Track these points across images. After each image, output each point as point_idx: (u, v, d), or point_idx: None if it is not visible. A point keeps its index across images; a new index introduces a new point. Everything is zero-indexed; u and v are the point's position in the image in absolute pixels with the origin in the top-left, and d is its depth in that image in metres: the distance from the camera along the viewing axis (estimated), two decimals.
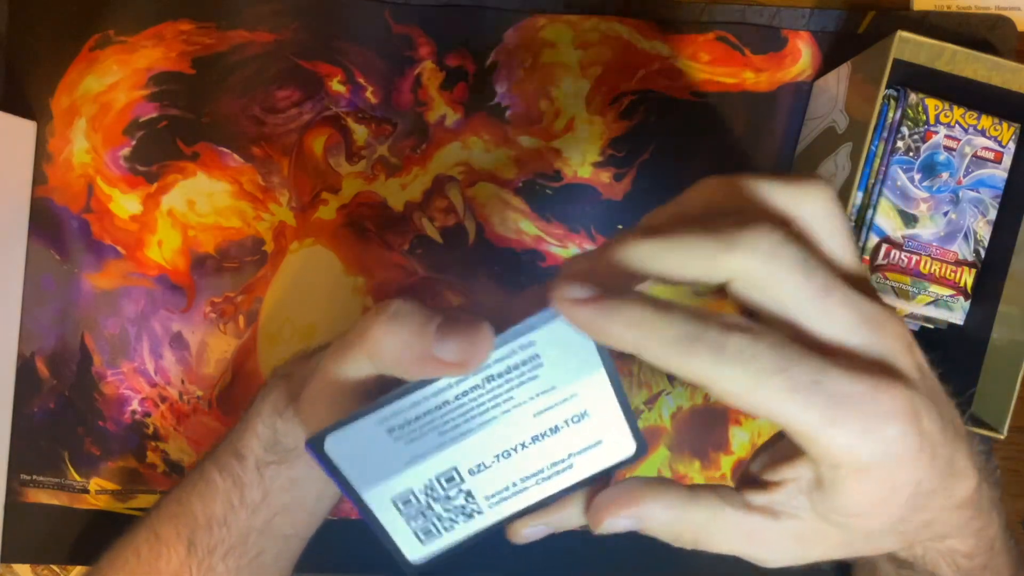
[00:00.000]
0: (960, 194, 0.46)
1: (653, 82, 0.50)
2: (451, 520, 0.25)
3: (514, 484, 0.25)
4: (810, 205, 0.23)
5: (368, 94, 0.49)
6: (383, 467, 0.24)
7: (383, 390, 0.23)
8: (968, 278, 0.46)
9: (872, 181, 0.46)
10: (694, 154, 0.50)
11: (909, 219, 0.46)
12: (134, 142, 0.49)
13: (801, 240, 0.22)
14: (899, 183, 0.45)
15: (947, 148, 0.45)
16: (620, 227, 0.50)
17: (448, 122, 0.49)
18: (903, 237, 0.46)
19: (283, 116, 0.49)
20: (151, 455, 0.50)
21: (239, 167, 0.49)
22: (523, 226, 0.50)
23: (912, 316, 0.47)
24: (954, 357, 0.47)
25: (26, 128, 0.48)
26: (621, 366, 0.22)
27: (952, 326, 0.47)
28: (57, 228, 0.49)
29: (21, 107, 0.48)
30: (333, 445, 0.23)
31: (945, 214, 0.46)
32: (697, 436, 0.51)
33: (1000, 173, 0.46)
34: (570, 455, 0.25)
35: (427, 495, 0.25)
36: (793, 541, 0.24)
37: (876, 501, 0.23)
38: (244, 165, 0.49)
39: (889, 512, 0.23)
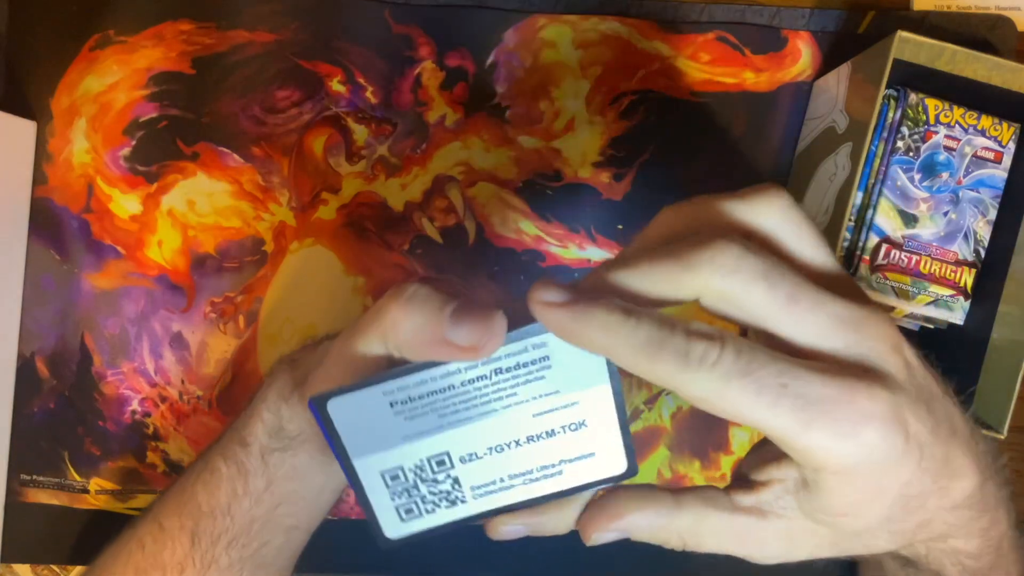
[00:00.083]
0: (960, 194, 0.46)
1: (653, 82, 0.50)
2: (434, 504, 0.25)
3: (501, 480, 0.25)
4: (768, 215, 0.23)
5: (368, 94, 0.49)
6: (379, 439, 0.24)
7: None
8: (968, 278, 0.46)
9: (872, 181, 0.46)
10: (694, 154, 0.50)
11: (909, 219, 0.46)
12: (134, 142, 0.49)
13: (763, 251, 0.22)
14: (899, 183, 0.45)
15: (947, 148, 0.45)
16: (620, 227, 0.50)
17: (448, 122, 0.49)
18: (903, 237, 0.46)
19: (283, 116, 0.49)
20: (151, 455, 0.50)
21: (239, 167, 0.49)
22: (523, 226, 0.50)
23: (912, 316, 0.47)
24: (954, 357, 0.47)
25: (26, 128, 0.48)
26: (620, 367, 0.23)
27: (952, 326, 0.47)
28: (57, 228, 0.49)
29: (21, 107, 0.48)
30: (336, 408, 0.24)
31: (945, 214, 0.46)
32: (697, 436, 0.51)
33: (1000, 173, 0.46)
34: (561, 461, 0.25)
35: (416, 474, 0.25)
36: (781, 539, 0.25)
37: (861, 502, 0.23)
38: (244, 165, 0.49)
39: (876, 512, 0.23)
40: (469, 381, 0.23)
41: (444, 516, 0.26)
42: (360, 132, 0.49)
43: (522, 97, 0.49)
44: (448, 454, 0.24)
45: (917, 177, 0.46)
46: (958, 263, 0.46)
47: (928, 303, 0.46)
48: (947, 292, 0.46)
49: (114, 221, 0.49)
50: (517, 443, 0.24)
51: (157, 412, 0.50)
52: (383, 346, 0.26)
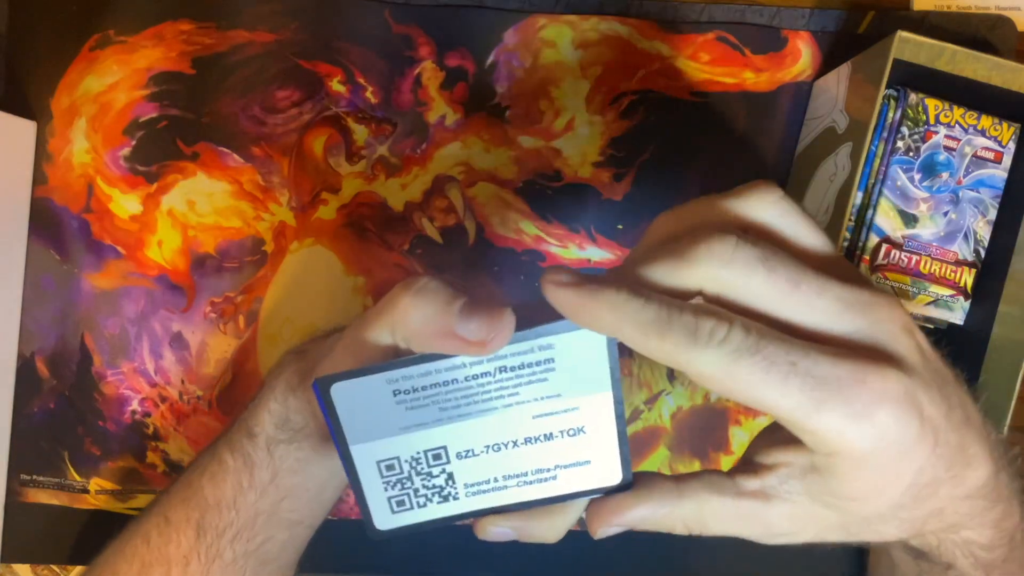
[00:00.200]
0: (960, 194, 0.46)
1: (653, 82, 0.50)
2: (426, 498, 0.25)
3: (495, 480, 0.25)
4: (762, 208, 0.23)
5: (368, 94, 0.49)
6: (379, 426, 0.24)
7: None
8: (968, 278, 0.46)
9: (872, 181, 0.46)
10: (694, 154, 0.50)
11: (909, 219, 0.46)
12: (134, 142, 0.49)
13: (760, 241, 0.22)
14: (899, 183, 0.45)
15: (947, 148, 0.45)
16: (620, 227, 0.50)
17: (448, 122, 0.49)
18: (903, 237, 0.46)
19: (283, 116, 0.49)
20: (151, 455, 0.50)
21: (239, 167, 0.49)
22: (523, 226, 0.50)
23: (912, 316, 0.47)
24: (954, 357, 0.47)
25: (26, 128, 0.48)
26: (621, 366, 0.23)
27: (952, 326, 0.47)
28: (57, 228, 0.49)
29: (21, 107, 0.48)
30: (339, 391, 0.24)
31: (945, 214, 0.46)
32: (697, 436, 0.51)
33: (1000, 173, 0.46)
34: (556, 466, 0.25)
35: (411, 466, 0.25)
36: (785, 522, 0.24)
37: (872, 488, 0.22)
38: (244, 165, 0.49)
39: (887, 499, 0.23)
40: (473, 376, 0.24)
41: (435, 511, 0.26)
42: (360, 132, 0.49)
43: (522, 97, 0.49)
44: (445, 448, 0.25)
45: (917, 177, 0.46)
46: (958, 263, 0.46)
47: (928, 303, 0.46)
48: (947, 292, 0.46)
49: (114, 221, 0.49)
50: (515, 444, 0.25)
51: (157, 412, 0.50)
52: (391, 336, 0.26)
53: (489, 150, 0.50)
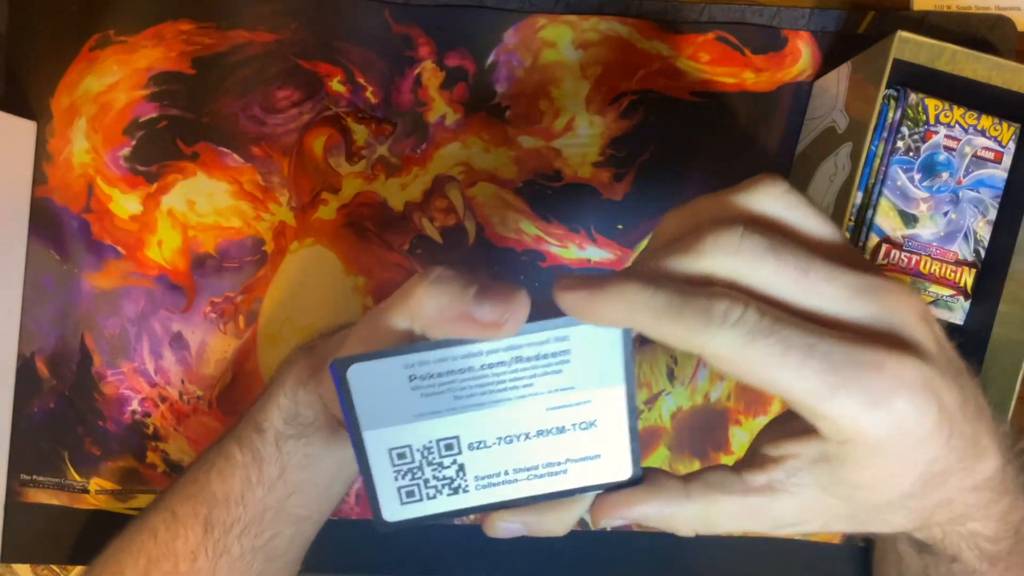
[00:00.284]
0: (960, 194, 0.46)
1: (653, 82, 0.50)
2: (436, 489, 0.25)
3: (506, 472, 0.25)
4: (768, 201, 0.23)
5: (368, 94, 0.49)
6: (393, 412, 0.24)
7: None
8: (968, 278, 0.46)
9: (872, 181, 0.46)
10: (694, 154, 0.50)
11: (909, 219, 0.46)
12: (134, 142, 0.49)
13: (767, 231, 0.22)
14: (899, 183, 0.45)
15: (947, 148, 0.45)
16: (620, 227, 0.50)
17: (448, 122, 0.49)
18: (903, 237, 0.46)
19: (283, 116, 0.49)
20: (151, 455, 0.50)
21: (239, 167, 0.49)
22: (523, 226, 0.50)
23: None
24: None
25: (26, 128, 0.48)
26: (644, 334, 0.23)
27: (952, 326, 0.47)
28: (57, 228, 0.49)
29: (21, 107, 0.48)
30: (355, 373, 0.24)
31: (945, 214, 0.46)
32: (697, 436, 0.51)
33: (1000, 173, 0.46)
34: (567, 460, 0.25)
35: (423, 455, 0.25)
36: (793, 514, 0.24)
37: (884, 477, 0.22)
38: (244, 165, 0.49)
39: (898, 488, 0.23)
40: (489, 365, 0.24)
41: (444, 504, 0.25)
42: (360, 132, 0.49)
43: (522, 97, 0.49)
44: (458, 439, 0.25)
45: (917, 177, 0.46)
46: (958, 263, 0.46)
47: (928, 303, 0.46)
48: (947, 292, 0.46)
49: (114, 221, 0.49)
50: (527, 436, 0.25)
51: (157, 412, 0.50)
52: (409, 323, 0.26)
53: (489, 150, 0.50)
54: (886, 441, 0.21)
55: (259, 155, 0.49)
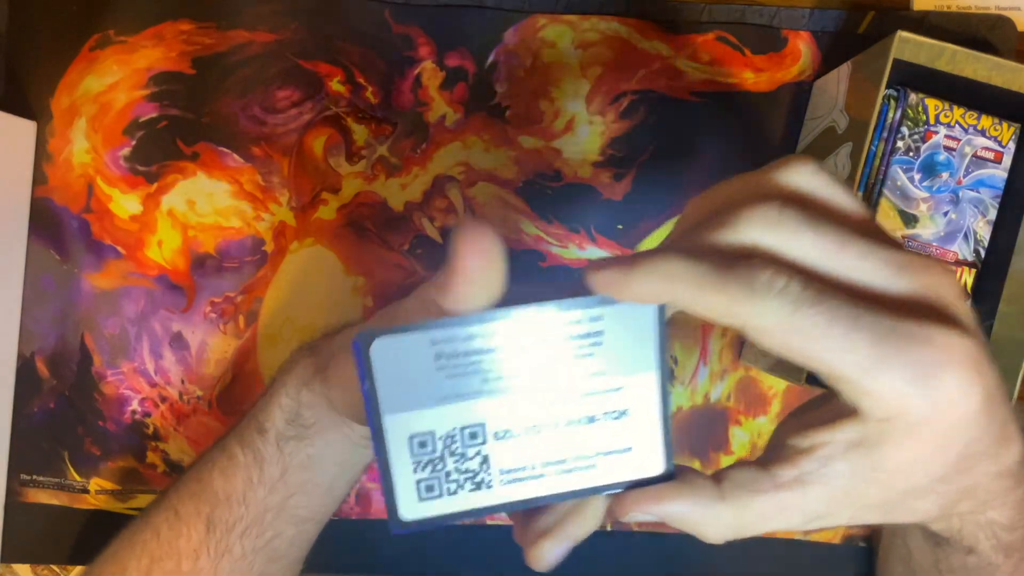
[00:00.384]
0: (960, 194, 0.46)
1: (653, 82, 0.50)
2: (457, 484, 0.23)
3: (532, 467, 0.24)
4: (800, 178, 0.23)
5: (368, 94, 0.49)
6: (416, 394, 0.23)
7: None
8: (968, 278, 0.46)
9: (872, 181, 0.46)
10: (694, 154, 0.50)
11: (909, 219, 0.46)
12: (134, 142, 0.49)
13: (804, 206, 0.21)
14: (899, 183, 0.45)
15: (947, 148, 0.45)
16: (620, 227, 0.50)
17: (448, 122, 0.49)
18: (903, 237, 0.46)
19: (283, 116, 0.49)
20: (151, 455, 0.50)
21: (239, 167, 0.49)
22: (523, 226, 0.50)
23: None
24: None
25: (26, 128, 0.48)
26: (685, 307, 0.22)
27: None
28: (57, 228, 0.49)
29: (21, 107, 0.48)
30: (379, 349, 0.22)
31: (945, 214, 0.46)
32: (697, 436, 0.51)
33: (1000, 173, 0.46)
34: (597, 453, 0.24)
35: (445, 444, 0.23)
36: (823, 506, 0.23)
37: (922, 458, 0.21)
38: (244, 165, 0.49)
39: (934, 469, 0.22)
40: (519, 346, 0.22)
41: (465, 501, 0.23)
42: (360, 132, 0.49)
43: (522, 97, 0.49)
44: (483, 426, 0.23)
45: (917, 177, 0.46)
46: (958, 263, 0.46)
47: None
48: None
49: (114, 221, 0.49)
50: (556, 425, 0.23)
51: (157, 412, 0.50)
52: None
53: (489, 150, 0.50)
54: (930, 418, 0.20)
55: (259, 155, 0.49)
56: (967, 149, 0.46)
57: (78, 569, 0.51)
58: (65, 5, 0.48)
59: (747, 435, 0.51)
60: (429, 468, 0.23)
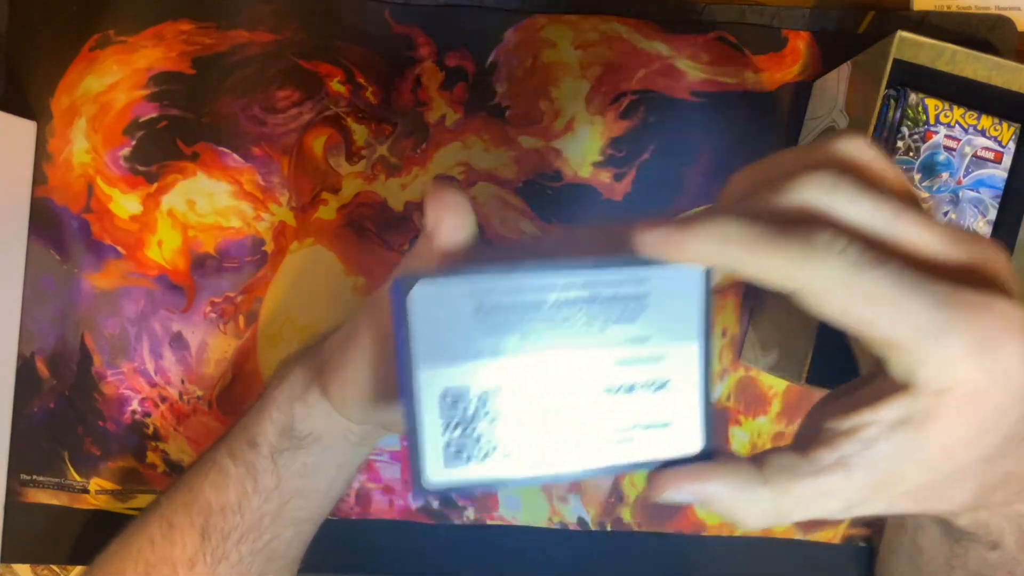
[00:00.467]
0: (960, 194, 0.46)
1: (653, 82, 0.50)
2: (485, 452, 0.22)
3: (566, 437, 0.22)
4: (853, 151, 0.22)
5: (368, 94, 0.49)
6: (453, 348, 0.21)
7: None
8: None
9: None
10: (694, 154, 0.50)
11: None
12: (134, 142, 0.49)
13: (860, 175, 0.21)
14: None
15: (947, 148, 0.45)
16: None
17: (448, 122, 0.49)
18: None
19: (283, 116, 0.49)
20: (151, 455, 0.50)
21: (239, 167, 0.49)
22: (523, 226, 0.50)
23: None
24: None
25: (26, 128, 0.48)
26: (739, 269, 0.21)
27: None
28: (57, 228, 0.49)
29: (21, 107, 0.48)
30: (419, 296, 0.21)
31: (945, 214, 0.46)
32: None
33: (1000, 173, 0.46)
34: (635, 426, 0.22)
35: (478, 405, 0.22)
36: (862, 492, 0.22)
37: (969, 436, 0.21)
38: (244, 165, 0.49)
39: (978, 450, 0.21)
40: (562, 303, 0.21)
41: (493, 470, 0.22)
42: (360, 132, 0.49)
43: (522, 97, 0.49)
44: (520, 388, 0.22)
45: (917, 177, 0.46)
46: None
47: None
48: None
49: (114, 221, 0.49)
50: (593, 392, 0.22)
51: (157, 412, 0.50)
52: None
53: (489, 150, 0.50)
54: (986, 391, 0.20)
55: (259, 155, 0.49)
56: (967, 149, 0.46)
57: (78, 569, 0.51)
58: (65, 5, 0.48)
59: (747, 435, 0.51)
60: (460, 430, 0.22)
